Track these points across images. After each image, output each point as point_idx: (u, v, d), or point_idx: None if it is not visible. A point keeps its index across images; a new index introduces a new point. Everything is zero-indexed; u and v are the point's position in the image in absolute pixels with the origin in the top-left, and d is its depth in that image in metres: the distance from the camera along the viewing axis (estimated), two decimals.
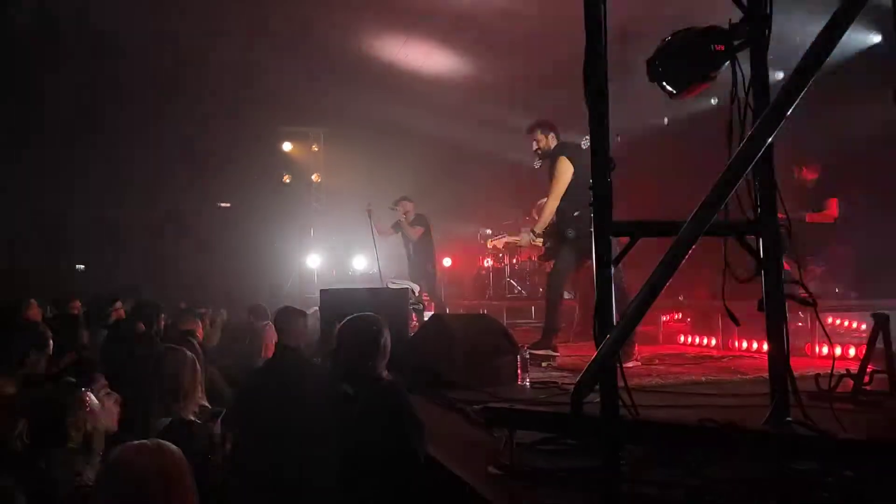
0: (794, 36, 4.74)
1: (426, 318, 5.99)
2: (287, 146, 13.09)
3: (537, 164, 5.68)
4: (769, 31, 2.54)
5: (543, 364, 5.20)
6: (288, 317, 4.59)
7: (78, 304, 6.74)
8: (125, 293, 6.48)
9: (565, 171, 5.28)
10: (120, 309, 5.40)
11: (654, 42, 2.75)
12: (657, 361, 5.41)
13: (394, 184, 9.55)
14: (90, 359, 3.47)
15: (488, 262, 11.54)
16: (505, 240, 5.93)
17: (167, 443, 1.70)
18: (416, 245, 8.94)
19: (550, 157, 5.54)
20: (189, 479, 1.64)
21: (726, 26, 2.58)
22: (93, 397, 2.05)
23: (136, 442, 1.67)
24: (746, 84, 2.50)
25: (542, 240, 5.61)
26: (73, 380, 2.14)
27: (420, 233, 8.88)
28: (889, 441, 2.26)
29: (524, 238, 5.64)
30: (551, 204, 5.35)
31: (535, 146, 5.69)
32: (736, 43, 2.53)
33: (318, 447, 3.21)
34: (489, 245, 6.14)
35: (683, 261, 2.19)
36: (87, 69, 9.94)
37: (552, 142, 5.61)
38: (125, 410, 2.72)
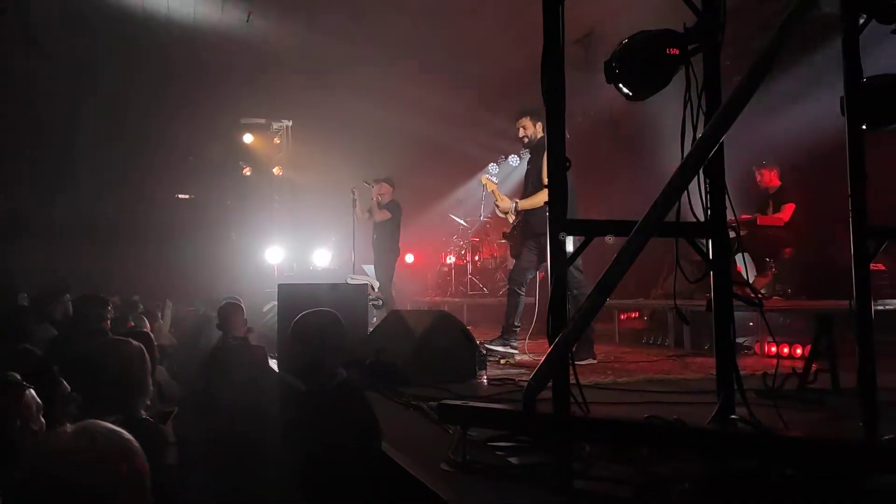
0: None
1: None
2: (248, 138, 12.88)
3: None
4: (722, 36, 2.59)
5: (502, 361, 5.24)
6: (229, 311, 5.14)
7: (25, 296, 6.52)
8: (74, 285, 6.27)
9: None
10: (67, 302, 5.22)
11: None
12: (613, 359, 5.50)
13: (356, 179, 9.42)
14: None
15: (451, 260, 11.55)
16: (494, 187, 5.85)
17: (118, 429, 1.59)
18: (378, 229, 8.60)
19: (538, 146, 5.46)
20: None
21: (681, 30, 2.62)
22: (33, 395, 1.92)
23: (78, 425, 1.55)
24: (700, 87, 2.54)
25: (513, 218, 5.59)
26: (17, 377, 1.99)
27: (384, 216, 8.51)
28: (829, 439, 2.33)
29: (505, 203, 5.59)
30: (545, 195, 5.27)
31: (521, 132, 5.60)
32: (690, 47, 2.57)
33: (266, 432, 3.18)
34: (483, 179, 6.06)
35: (635, 260, 2.23)
36: (38, 58, 9.63)
37: (539, 132, 5.52)
38: (76, 409, 2.62)
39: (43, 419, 1.87)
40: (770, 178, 6.93)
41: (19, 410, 1.82)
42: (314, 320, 2.87)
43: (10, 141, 11.15)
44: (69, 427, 1.41)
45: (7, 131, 10.90)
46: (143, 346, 2.61)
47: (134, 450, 1.41)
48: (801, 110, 6.71)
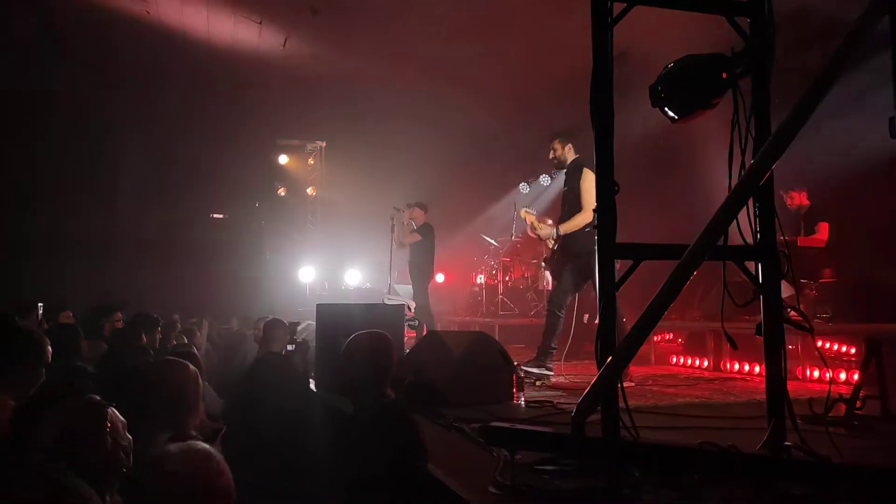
0: None
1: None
2: (283, 159, 13.12)
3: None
4: (773, 61, 2.60)
5: (538, 383, 5.20)
6: (272, 325, 5.41)
7: (69, 313, 6.66)
8: (119, 305, 6.40)
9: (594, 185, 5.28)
10: (119, 321, 5.35)
11: (654, 63, 2.79)
12: (651, 382, 5.43)
13: (389, 200, 9.51)
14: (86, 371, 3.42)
15: (481, 279, 11.55)
16: (533, 219, 6.00)
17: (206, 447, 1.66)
18: (412, 252, 8.66)
19: (571, 169, 5.59)
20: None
21: (729, 54, 2.63)
22: (116, 413, 1.97)
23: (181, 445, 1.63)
24: (748, 111, 2.54)
25: (554, 243, 5.65)
26: (98, 397, 2.04)
27: (415, 238, 8.55)
28: (885, 467, 2.28)
29: (545, 231, 5.68)
30: (586, 215, 5.31)
31: (551, 154, 5.74)
32: (738, 71, 2.58)
33: (308, 452, 3.19)
34: (522, 213, 6.24)
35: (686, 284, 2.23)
36: (81, 80, 9.95)
37: (569, 154, 5.64)
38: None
39: (130, 435, 1.92)
40: (800, 200, 6.92)
41: (108, 430, 1.86)
42: (368, 341, 2.90)
43: (59, 164, 11.49)
44: (173, 447, 1.47)
45: (55, 155, 11.26)
46: (197, 370, 2.66)
47: (224, 468, 1.48)
48: (831, 130, 6.67)
